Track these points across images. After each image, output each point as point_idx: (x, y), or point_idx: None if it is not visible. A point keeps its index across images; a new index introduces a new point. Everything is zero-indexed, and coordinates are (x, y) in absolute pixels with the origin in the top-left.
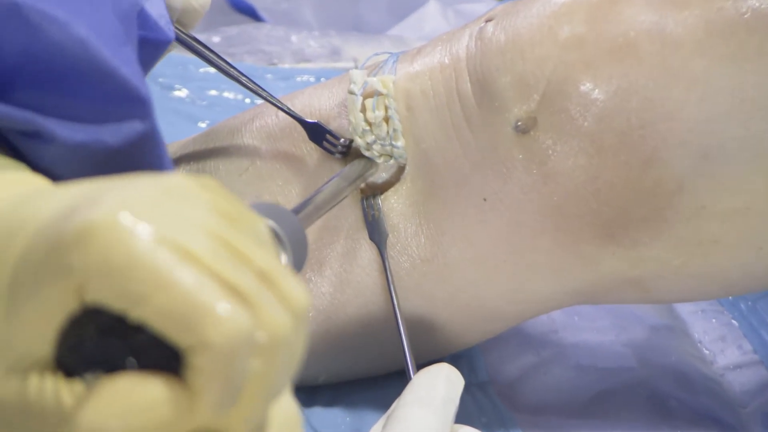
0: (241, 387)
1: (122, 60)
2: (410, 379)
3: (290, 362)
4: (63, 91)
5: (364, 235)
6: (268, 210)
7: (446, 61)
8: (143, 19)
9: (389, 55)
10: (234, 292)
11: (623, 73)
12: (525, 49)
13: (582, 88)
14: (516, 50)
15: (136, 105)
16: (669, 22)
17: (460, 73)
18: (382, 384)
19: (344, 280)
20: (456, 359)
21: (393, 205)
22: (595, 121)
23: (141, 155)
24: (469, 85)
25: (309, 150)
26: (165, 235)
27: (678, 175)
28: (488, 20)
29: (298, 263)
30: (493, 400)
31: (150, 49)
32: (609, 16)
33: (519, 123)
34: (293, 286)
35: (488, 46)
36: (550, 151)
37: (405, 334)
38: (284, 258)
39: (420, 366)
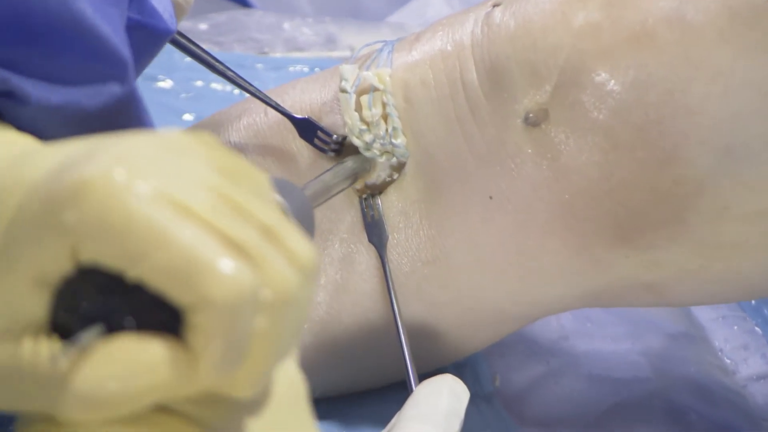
0: (245, 347)
1: (104, 19)
2: (411, 391)
3: (297, 321)
4: (40, 49)
5: (362, 238)
6: (273, 183)
7: (449, 48)
8: (140, 2)
9: (383, 43)
10: (236, 247)
11: (641, 64)
12: (537, 36)
13: (597, 79)
14: (527, 38)
15: (116, 66)
16: (689, 9)
17: (465, 62)
18: (381, 397)
19: (341, 288)
20: (460, 368)
21: (392, 204)
22: (610, 114)
23: (121, 120)
24: (474, 74)
25: (300, 148)
26: (162, 190)
27: (699, 175)
28: (495, 5)
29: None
30: (500, 412)
31: (146, 36)
32: (626, 1)
33: (530, 115)
34: (299, 242)
35: (496, 33)
36: (563, 146)
37: (406, 343)
38: None
39: (422, 377)
